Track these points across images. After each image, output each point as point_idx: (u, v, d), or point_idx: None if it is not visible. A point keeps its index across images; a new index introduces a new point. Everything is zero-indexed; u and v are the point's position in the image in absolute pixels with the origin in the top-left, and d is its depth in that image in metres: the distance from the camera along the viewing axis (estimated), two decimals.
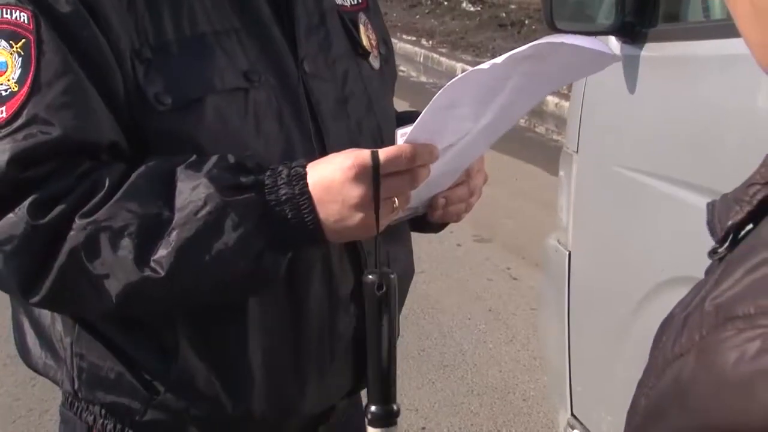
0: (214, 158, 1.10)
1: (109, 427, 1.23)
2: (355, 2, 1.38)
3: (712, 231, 0.53)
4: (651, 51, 2.03)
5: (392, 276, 1.15)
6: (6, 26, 1.09)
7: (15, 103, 1.09)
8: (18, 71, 1.10)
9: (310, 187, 1.06)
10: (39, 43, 1.10)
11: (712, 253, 0.52)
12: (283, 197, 1.07)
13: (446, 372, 3.44)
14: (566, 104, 4.47)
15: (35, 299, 1.12)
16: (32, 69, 1.10)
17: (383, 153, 1.05)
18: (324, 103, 1.25)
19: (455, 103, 1.09)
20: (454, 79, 1.04)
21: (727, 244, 0.50)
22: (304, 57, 1.23)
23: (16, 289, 1.14)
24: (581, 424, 2.35)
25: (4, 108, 1.09)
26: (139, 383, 1.18)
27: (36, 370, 1.26)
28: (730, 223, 0.49)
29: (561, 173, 2.48)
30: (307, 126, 1.23)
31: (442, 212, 1.25)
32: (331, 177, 1.07)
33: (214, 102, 1.17)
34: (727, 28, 1.66)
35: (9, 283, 1.14)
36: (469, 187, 1.25)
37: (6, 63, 1.10)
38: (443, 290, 4.21)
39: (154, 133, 1.15)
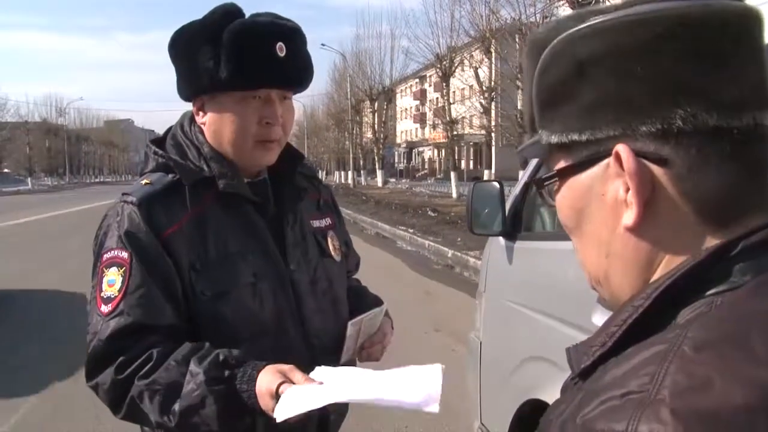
0: (212, 356, 1.24)
1: None
2: (324, 225, 1.58)
3: (571, 368, 0.61)
4: (519, 245, 2.56)
5: None
6: (118, 260, 1.32)
7: (114, 303, 1.29)
8: (119, 285, 1.30)
9: (256, 387, 1.22)
10: (131, 269, 1.29)
11: (571, 380, 0.61)
12: (243, 389, 1.24)
13: None
14: (479, 262, 5.76)
15: (119, 416, 1.31)
16: (126, 284, 1.29)
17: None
18: (302, 286, 1.44)
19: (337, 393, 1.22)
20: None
21: (578, 380, 0.59)
22: (290, 261, 1.44)
23: (110, 410, 1.31)
24: (486, 427, 2.88)
25: (110, 305, 1.29)
26: None
27: None
28: (582, 367, 0.58)
29: (476, 301, 3.04)
30: (292, 300, 1.42)
31: (367, 356, 1.51)
32: (264, 387, 1.21)
33: (235, 292, 1.34)
34: (554, 235, 2.28)
35: (106, 405, 1.31)
36: (383, 344, 1.56)
37: (115, 280, 1.30)
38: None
39: (199, 314, 1.33)
